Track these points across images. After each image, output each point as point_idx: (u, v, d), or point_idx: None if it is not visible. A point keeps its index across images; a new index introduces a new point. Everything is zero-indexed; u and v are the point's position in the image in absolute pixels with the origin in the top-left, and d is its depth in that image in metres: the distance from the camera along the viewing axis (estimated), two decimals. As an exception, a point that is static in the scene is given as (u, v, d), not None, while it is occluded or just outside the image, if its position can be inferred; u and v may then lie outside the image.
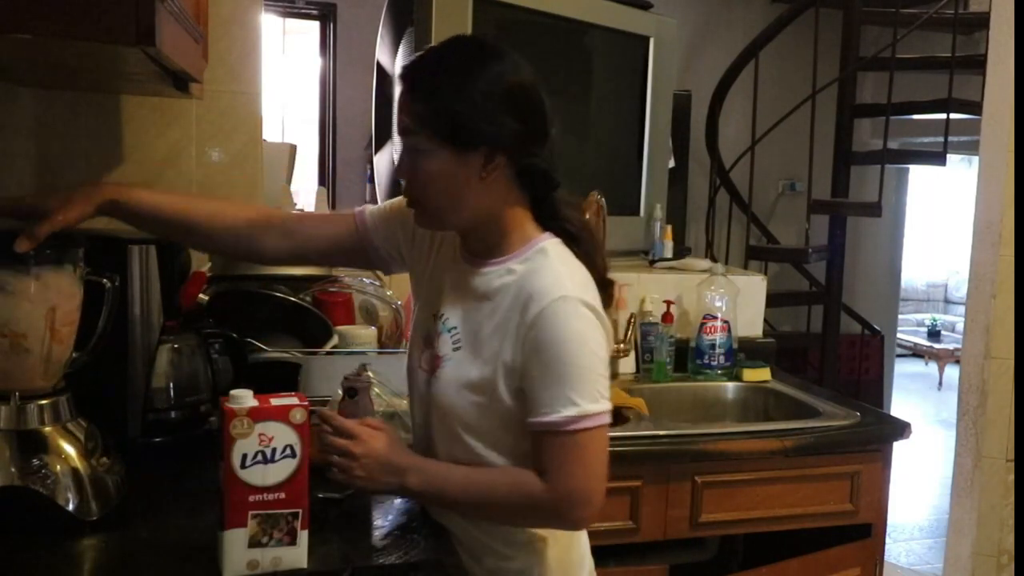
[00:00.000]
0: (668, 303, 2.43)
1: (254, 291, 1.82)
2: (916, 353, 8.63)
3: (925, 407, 7.02)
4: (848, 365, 5.26)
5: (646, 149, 2.88)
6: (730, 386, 2.39)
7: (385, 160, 2.71)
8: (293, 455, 1.05)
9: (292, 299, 1.89)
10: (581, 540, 1.36)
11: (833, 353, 4.58)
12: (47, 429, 1.19)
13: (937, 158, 4.26)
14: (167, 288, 1.57)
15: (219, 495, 1.05)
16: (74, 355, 1.25)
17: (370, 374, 1.46)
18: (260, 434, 1.04)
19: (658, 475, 1.85)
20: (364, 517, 1.30)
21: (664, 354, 2.37)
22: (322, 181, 5.11)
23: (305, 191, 4.34)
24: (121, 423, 1.48)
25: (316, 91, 5.14)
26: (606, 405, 1.16)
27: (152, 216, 1.31)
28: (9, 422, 1.17)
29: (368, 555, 1.17)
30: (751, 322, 2.62)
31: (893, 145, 4.42)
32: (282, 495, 1.05)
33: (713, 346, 2.39)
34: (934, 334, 8.88)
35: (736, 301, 2.45)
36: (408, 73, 1.19)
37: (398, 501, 1.35)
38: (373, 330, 2.00)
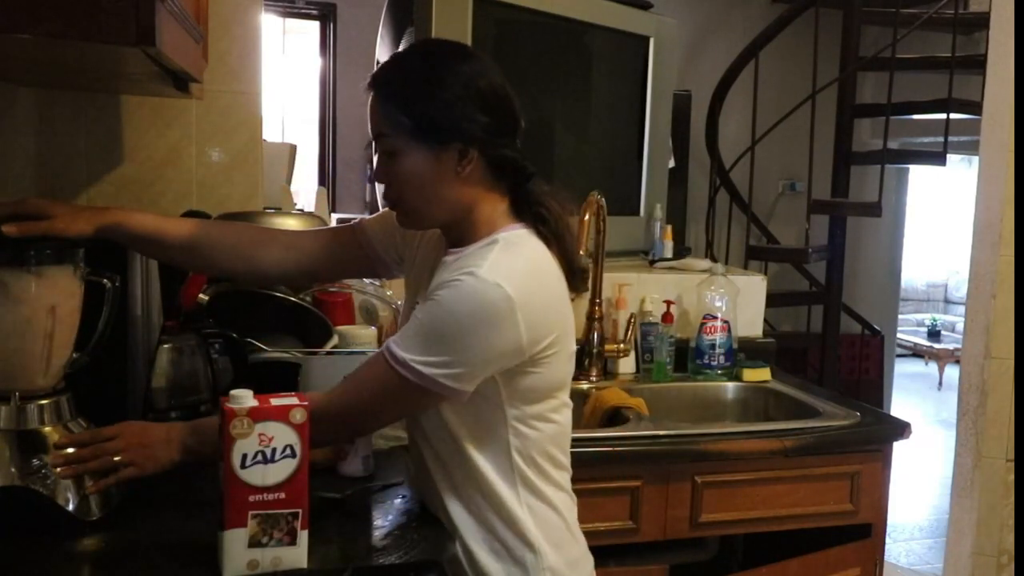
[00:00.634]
0: (668, 303, 2.43)
1: (254, 291, 1.82)
2: (916, 353, 8.63)
3: (925, 407, 7.02)
4: (848, 365, 5.27)
5: (646, 149, 2.88)
6: (730, 386, 2.39)
7: (385, 160, 2.71)
8: (293, 455, 1.05)
9: (292, 299, 1.89)
10: (580, 540, 1.36)
11: (833, 353, 4.59)
12: (47, 429, 1.19)
13: (937, 158, 4.27)
14: (167, 288, 1.57)
15: (219, 495, 1.05)
16: (74, 355, 1.26)
17: None
18: (260, 434, 1.04)
19: (658, 475, 1.85)
20: (364, 517, 1.30)
21: (664, 354, 2.37)
22: (322, 181, 5.11)
23: (305, 191, 4.34)
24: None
25: (316, 91, 5.14)
26: (426, 372, 1.13)
27: (154, 239, 1.33)
28: (9, 422, 1.17)
29: (368, 555, 1.17)
30: (751, 322, 2.62)
31: (893, 145, 4.42)
32: (282, 495, 1.05)
33: (713, 346, 2.39)
34: (934, 334, 8.89)
35: (736, 301, 2.45)
36: (377, 78, 1.22)
37: (398, 501, 1.35)
38: (373, 330, 2.00)
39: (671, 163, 3.12)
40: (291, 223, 1.92)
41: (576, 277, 1.26)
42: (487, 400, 1.21)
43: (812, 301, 4.76)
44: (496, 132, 1.20)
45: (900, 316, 6.58)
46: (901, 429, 2.07)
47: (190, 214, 1.74)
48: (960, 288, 9.22)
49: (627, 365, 2.40)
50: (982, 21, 3.36)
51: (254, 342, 1.77)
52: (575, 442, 1.35)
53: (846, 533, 2.02)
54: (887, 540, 2.13)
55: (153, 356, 1.53)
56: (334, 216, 4.36)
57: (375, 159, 1.24)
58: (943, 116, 4.14)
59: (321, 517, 1.20)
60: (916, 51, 4.50)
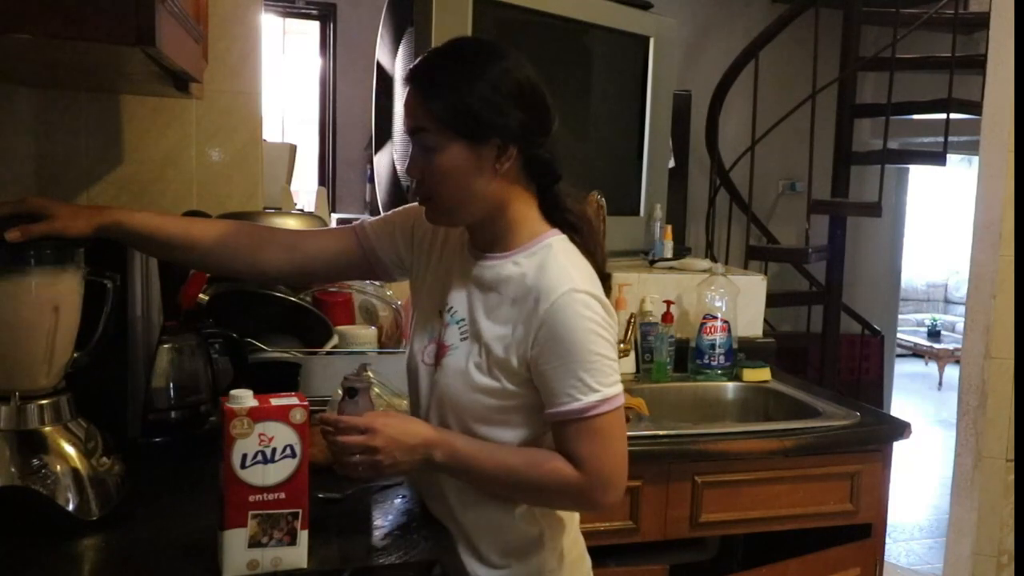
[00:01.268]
0: (668, 303, 2.43)
1: (254, 291, 1.82)
2: (916, 353, 8.62)
3: (925, 407, 7.02)
4: (848, 365, 5.27)
5: (646, 149, 2.88)
6: (730, 386, 2.39)
7: (385, 160, 2.71)
8: (293, 455, 1.05)
9: (292, 299, 1.89)
10: (578, 541, 1.36)
11: (833, 353, 4.59)
12: (47, 429, 1.19)
13: (937, 158, 4.26)
14: (167, 288, 1.57)
15: (219, 495, 1.05)
16: (75, 355, 1.26)
17: (370, 374, 1.46)
18: (260, 434, 1.04)
19: (658, 475, 1.85)
20: (364, 517, 1.30)
21: (664, 354, 2.37)
22: (322, 181, 5.11)
23: (305, 191, 4.35)
24: (121, 423, 1.48)
25: (316, 91, 5.14)
26: (620, 388, 1.19)
27: (155, 238, 1.33)
28: (9, 422, 1.17)
29: (368, 555, 1.17)
30: (751, 322, 2.62)
31: (893, 145, 4.42)
32: (282, 495, 1.05)
33: (713, 346, 2.39)
34: (934, 334, 8.88)
35: (736, 301, 2.45)
36: (416, 73, 1.21)
37: (398, 500, 1.35)
38: (373, 330, 2.00)
39: (671, 163, 3.12)
40: (291, 223, 1.93)
41: (605, 284, 1.28)
42: (508, 402, 1.22)
43: (812, 301, 4.76)
44: (533, 130, 1.21)
45: (900, 316, 6.58)
46: (901, 429, 2.07)
47: (190, 214, 1.74)
48: (960, 288, 9.22)
49: (627, 365, 2.40)
50: (982, 21, 3.36)
51: (254, 342, 1.77)
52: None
53: (846, 533, 2.02)
54: (887, 540, 2.13)
55: (153, 356, 1.53)
56: (334, 216, 4.37)
57: (408, 153, 1.24)
58: (943, 116, 4.14)
59: (321, 517, 1.20)
60: (916, 51, 4.50)
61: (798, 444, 1.95)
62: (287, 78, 5.28)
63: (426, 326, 1.31)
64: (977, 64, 3.00)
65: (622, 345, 2.36)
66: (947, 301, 10.10)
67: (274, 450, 1.04)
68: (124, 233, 1.31)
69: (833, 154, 4.50)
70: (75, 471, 1.18)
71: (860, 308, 5.10)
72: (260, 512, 1.05)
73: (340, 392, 1.34)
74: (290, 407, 1.06)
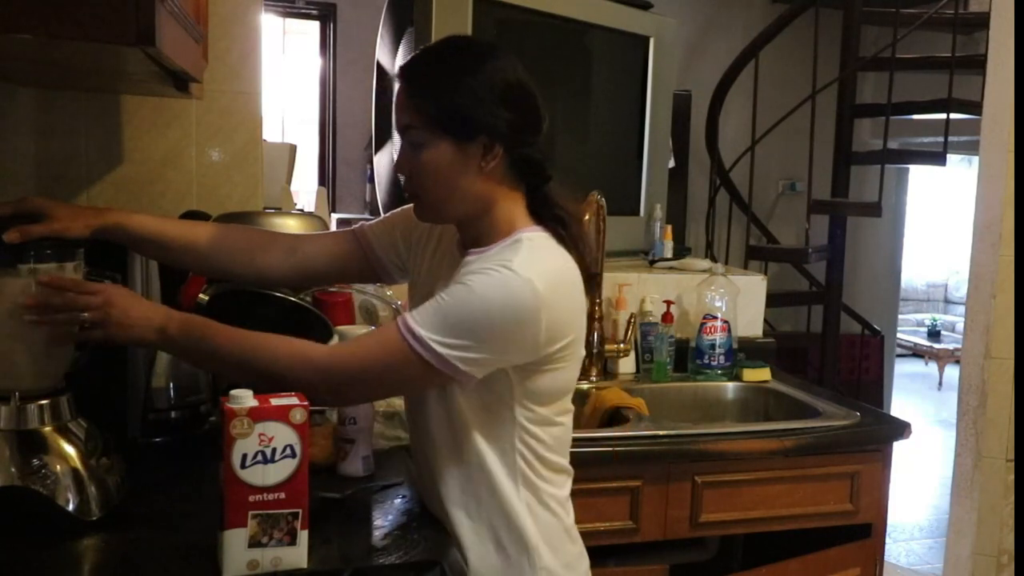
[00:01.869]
0: (668, 303, 2.43)
1: (254, 291, 1.82)
2: (916, 353, 8.62)
3: (925, 407, 7.02)
4: (848, 365, 5.26)
5: (646, 149, 2.88)
6: (730, 386, 2.39)
7: (385, 160, 2.71)
8: (293, 455, 1.05)
9: (292, 299, 1.88)
10: (576, 541, 1.36)
11: (833, 353, 4.58)
12: (47, 429, 1.19)
13: (937, 158, 4.26)
14: (167, 288, 1.57)
15: (219, 495, 1.05)
16: (75, 355, 1.25)
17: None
18: (260, 434, 1.04)
19: (658, 475, 1.85)
20: (364, 517, 1.30)
21: (664, 354, 2.37)
22: (322, 181, 5.12)
23: (305, 191, 4.35)
24: (121, 423, 1.48)
25: (316, 91, 5.14)
26: (444, 350, 1.13)
27: (155, 241, 1.34)
28: (9, 422, 1.17)
29: (368, 555, 1.17)
30: (751, 322, 2.62)
31: (893, 145, 4.42)
32: (282, 495, 1.05)
33: (713, 346, 2.39)
34: (934, 334, 8.88)
35: (736, 301, 2.45)
36: (406, 70, 1.22)
37: (398, 500, 1.35)
38: (369, 332, 2.00)
39: (671, 163, 3.12)
40: (291, 223, 1.92)
41: (592, 283, 1.27)
42: (499, 400, 1.22)
43: (812, 301, 4.76)
44: (521, 129, 1.21)
45: (900, 316, 6.58)
46: (901, 429, 2.07)
47: (190, 214, 1.74)
48: (960, 288, 9.21)
49: (627, 365, 2.40)
50: (982, 21, 3.36)
51: (254, 342, 1.76)
52: (575, 442, 1.35)
53: (846, 533, 2.02)
54: (887, 540, 2.13)
55: (153, 356, 1.53)
56: (334, 216, 4.37)
57: (399, 150, 1.24)
58: (943, 116, 4.14)
59: (321, 517, 1.20)
60: (916, 51, 4.50)
61: (798, 444, 1.95)
62: (287, 78, 5.28)
63: None
64: (977, 64, 3.00)
65: (622, 345, 2.36)
66: (947, 301, 10.10)
67: (274, 450, 1.04)
68: (124, 235, 1.31)
69: (833, 154, 4.49)
70: (75, 471, 1.18)
71: (860, 308, 5.10)
72: (260, 512, 1.05)
73: None
74: (290, 407, 1.06)
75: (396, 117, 1.22)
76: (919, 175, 6.91)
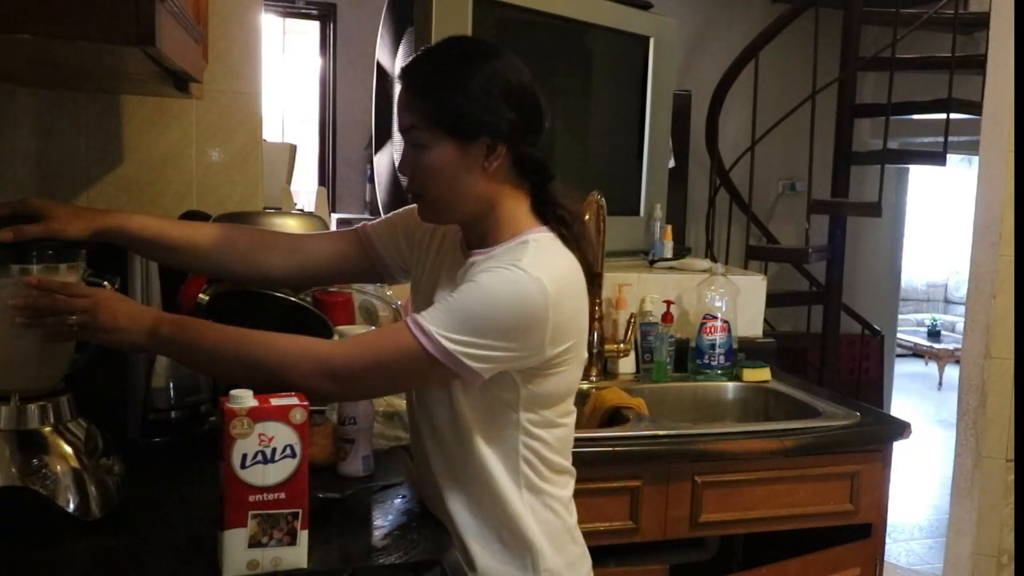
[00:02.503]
0: (668, 303, 2.43)
1: (254, 291, 1.82)
2: (916, 353, 8.62)
3: (925, 407, 7.02)
4: (848, 365, 5.26)
5: (646, 149, 2.88)
6: (730, 386, 2.39)
7: (385, 160, 2.71)
8: (293, 455, 1.05)
9: (292, 299, 1.88)
10: (578, 541, 1.36)
11: (833, 353, 4.58)
12: (47, 429, 1.19)
13: (937, 158, 4.26)
14: (167, 288, 1.57)
15: (219, 495, 1.05)
16: (75, 356, 1.25)
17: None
18: (260, 434, 1.04)
19: (658, 475, 1.85)
20: (364, 517, 1.30)
21: (664, 354, 2.37)
22: (322, 181, 5.12)
23: (305, 191, 4.35)
24: (121, 423, 1.48)
25: (316, 91, 5.14)
26: (452, 346, 1.13)
27: (155, 242, 1.33)
28: (9, 422, 1.17)
29: (368, 555, 1.17)
30: (751, 322, 2.62)
31: (893, 145, 4.42)
32: (282, 495, 1.05)
33: (713, 346, 2.39)
34: (934, 334, 8.88)
35: (736, 301, 2.45)
36: (408, 71, 1.22)
37: (398, 500, 1.35)
38: (373, 330, 2.00)
39: (671, 163, 3.12)
40: (291, 223, 1.92)
41: (594, 283, 1.27)
42: (504, 404, 1.22)
43: (812, 301, 4.76)
44: (523, 129, 1.21)
45: (900, 316, 6.58)
46: (901, 429, 2.07)
47: (190, 214, 1.74)
48: (960, 288, 9.21)
49: (627, 365, 2.40)
50: (982, 21, 3.36)
51: (254, 342, 1.76)
52: (575, 442, 1.35)
53: (846, 533, 2.02)
54: (887, 540, 2.13)
55: (153, 356, 1.53)
56: (334, 216, 4.37)
57: (402, 150, 1.24)
58: (943, 116, 4.14)
59: (321, 517, 1.20)
60: (916, 51, 4.50)
61: (798, 444, 1.95)
62: (287, 78, 5.29)
63: None
64: (977, 64, 3.00)
65: (622, 345, 2.36)
66: (947, 301, 10.10)
67: (274, 450, 1.04)
68: (124, 236, 1.31)
69: (833, 154, 4.50)
70: (75, 471, 1.18)
71: (860, 308, 5.10)
72: (260, 512, 1.05)
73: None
74: (290, 407, 1.06)
75: (399, 117, 1.22)
76: (919, 175, 6.91)
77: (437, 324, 1.14)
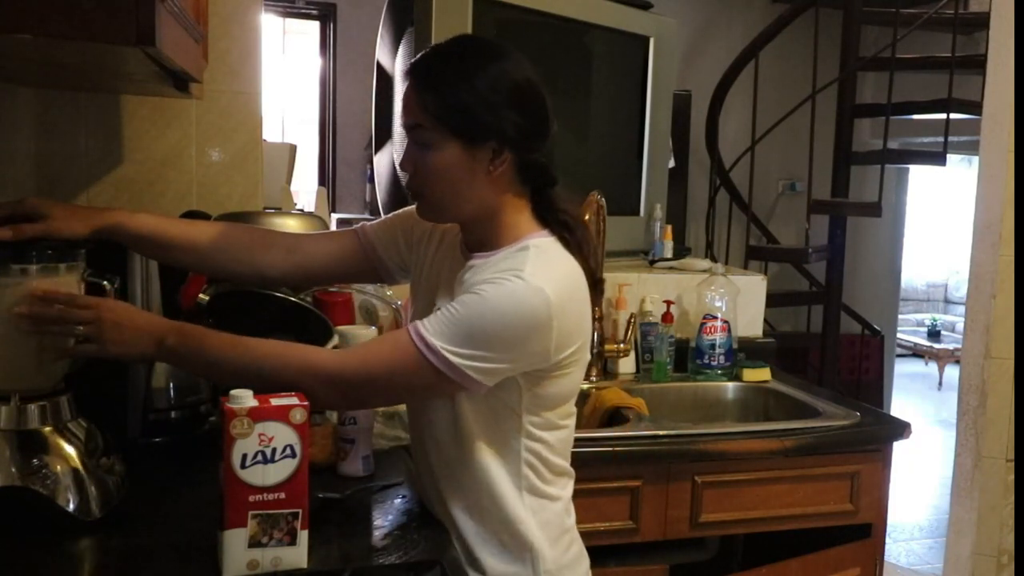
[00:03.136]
0: (668, 303, 2.43)
1: (254, 291, 1.82)
2: (916, 353, 8.62)
3: (925, 407, 7.02)
4: (848, 365, 5.26)
5: (646, 149, 2.88)
6: (730, 386, 2.39)
7: (385, 160, 2.71)
8: (293, 455, 1.05)
9: (292, 299, 1.88)
10: (577, 540, 1.36)
11: (833, 353, 4.58)
12: (47, 429, 1.19)
13: (937, 158, 4.26)
14: (167, 288, 1.57)
15: (219, 495, 1.05)
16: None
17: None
18: (260, 434, 1.04)
19: (658, 475, 1.85)
20: (364, 517, 1.30)
21: (664, 354, 2.37)
22: (322, 181, 5.12)
23: (305, 191, 4.35)
24: (121, 423, 1.48)
25: (316, 91, 5.14)
26: (457, 360, 1.12)
27: (155, 240, 1.33)
28: (9, 422, 1.17)
29: (368, 555, 1.17)
30: (751, 322, 2.62)
31: (893, 145, 4.42)
32: (282, 495, 1.05)
33: (713, 346, 2.39)
34: (934, 334, 8.88)
35: (736, 301, 2.45)
36: (415, 68, 1.20)
37: (398, 500, 1.35)
38: (373, 330, 1.99)
39: (671, 163, 3.12)
40: (291, 223, 1.92)
41: (596, 288, 1.27)
42: (507, 407, 1.22)
43: (812, 301, 4.76)
44: (530, 135, 1.20)
45: (900, 316, 6.58)
46: (901, 429, 2.07)
47: (190, 214, 1.74)
48: (960, 288, 9.21)
49: (627, 365, 2.40)
50: (982, 21, 3.36)
51: (254, 342, 1.76)
52: (575, 442, 1.35)
53: (846, 533, 2.02)
54: (887, 540, 2.13)
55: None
56: (334, 216, 4.37)
57: (404, 147, 1.23)
58: (943, 116, 4.14)
59: (321, 517, 1.20)
60: (916, 51, 4.50)
61: (798, 444, 1.95)
62: (287, 78, 5.29)
63: None
64: (977, 64, 3.00)
65: (622, 345, 2.36)
66: (947, 301, 10.10)
67: (274, 450, 1.04)
68: (123, 235, 1.31)
69: (833, 154, 4.50)
70: (75, 471, 1.18)
71: (860, 308, 5.10)
72: (260, 512, 1.05)
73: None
74: (290, 407, 1.06)
75: (403, 115, 1.21)
76: (919, 175, 6.91)
77: (441, 338, 1.13)
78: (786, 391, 2.32)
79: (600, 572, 1.40)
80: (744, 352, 2.48)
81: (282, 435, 1.05)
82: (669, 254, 2.74)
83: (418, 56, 1.23)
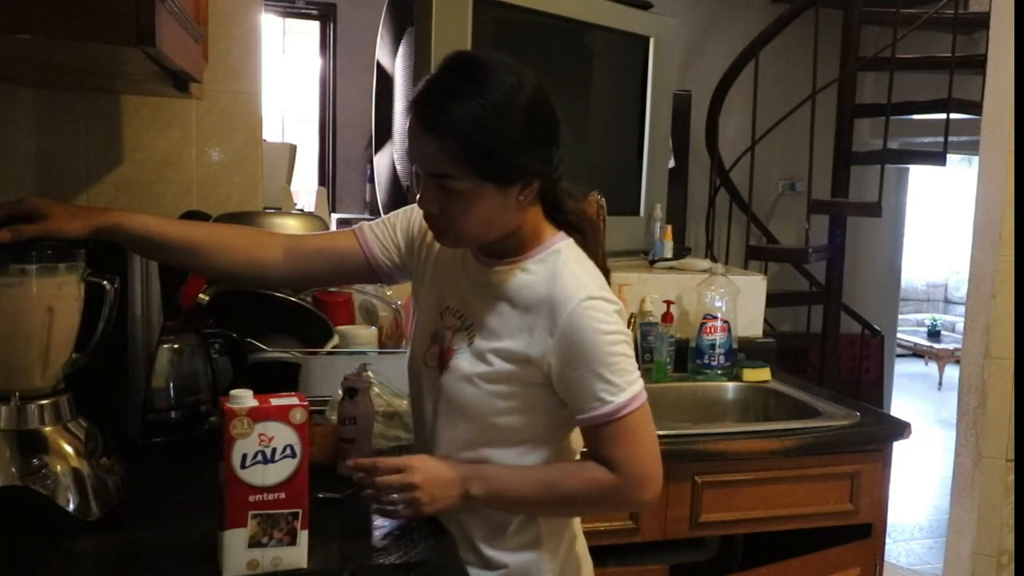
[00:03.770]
0: (668, 303, 2.43)
1: (254, 291, 1.82)
2: (916, 353, 8.62)
3: (925, 407, 7.02)
4: (848, 365, 5.26)
5: (646, 149, 2.88)
6: (730, 386, 2.39)
7: (385, 160, 2.71)
8: (293, 455, 1.05)
9: (292, 299, 1.89)
10: (579, 539, 1.36)
11: (833, 353, 4.58)
12: (47, 429, 1.19)
13: (937, 158, 4.26)
14: (167, 288, 1.57)
15: (219, 495, 1.05)
16: (74, 355, 1.25)
17: (370, 374, 1.47)
18: (260, 434, 1.04)
19: (658, 475, 1.84)
20: (364, 517, 1.29)
21: (664, 354, 2.37)
22: (322, 181, 5.11)
23: (305, 191, 4.35)
24: (121, 423, 1.48)
25: (316, 91, 5.14)
26: (641, 384, 1.22)
27: (154, 241, 1.32)
28: (9, 422, 1.17)
29: (368, 555, 1.17)
30: (751, 322, 2.62)
31: (893, 145, 4.42)
32: (282, 495, 1.05)
33: (713, 346, 2.39)
34: (934, 334, 8.88)
35: (736, 301, 2.45)
36: (426, 108, 1.14)
37: (398, 501, 1.35)
38: (373, 330, 2.00)
39: (671, 163, 3.12)
40: (291, 223, 1.92)
41: (607, 280, 1.30)
42: (567, 409, 1.23)
43: (812, 301, 4.76)
44: (552, 157, 1.20)
45: (900, 316, 6.58)
46: (901, 429, 2.07)
47: (190, 214, 1.74)
48: (960, 288, 9.21)
49: (627, 365, 2.40)
50: (982, 21, 3.36)
51: (254, 342, 1.77)
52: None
53: (846, 533, 2.03)
54: (887, 540, 2.13)
55: (153, 356, 1.53)
56: (334, 216, 4.37)
57: (423, 188, 1.18)
58: (943, 116, 4.14)
59: (321, 517, 1.20)
60: (916, 51, 4.50)
61: (798, 444, 1.95)
62: (287, 78, 5.29)
63: (427, 327, 1.31)
64: (977, 64, 3.00)
65: (622, 345, 2.36)
66: (947, 301, 10.10)
67: (274, 450, 1.04)
68: (123, 235, 1.30)
69: (833, 154, 4.50)
70: (75, 471, 1.18)
71: (860, 308, 5.10)
72: (260, 512, 1.05)
73: (340, 393, 1.34)
74: (290, 407, 1.06)
75: (423, 161, 1.16)
76: (919, 175, 6.90)
77: (617, 390, 1.18)
78: (786, 391, 2.32)
79: (600, 572, 1.40)
80: (744, 352, 2.48)
81: (282, 435, 1.05)
82: (669, 254, 2.74)
83: (423, 90, 1.15)
